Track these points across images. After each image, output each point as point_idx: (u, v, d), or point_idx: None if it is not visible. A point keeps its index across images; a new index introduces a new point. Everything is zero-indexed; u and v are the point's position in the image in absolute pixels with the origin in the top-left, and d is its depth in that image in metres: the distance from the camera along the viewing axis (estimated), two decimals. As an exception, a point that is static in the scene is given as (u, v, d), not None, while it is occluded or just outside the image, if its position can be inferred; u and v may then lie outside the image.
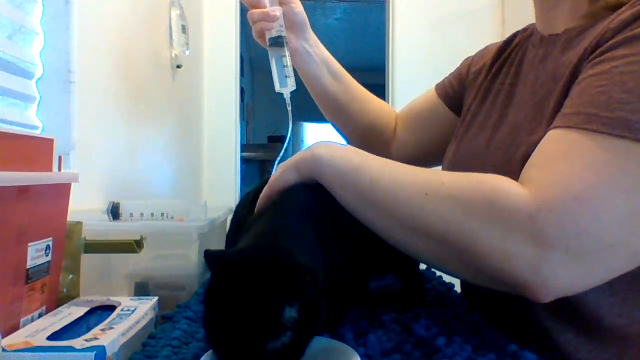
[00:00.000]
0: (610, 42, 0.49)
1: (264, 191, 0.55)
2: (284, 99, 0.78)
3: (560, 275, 0.43)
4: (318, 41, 0.84)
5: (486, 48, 0.80)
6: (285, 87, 0.77)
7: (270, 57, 0.77)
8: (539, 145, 0.49)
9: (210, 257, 0.40)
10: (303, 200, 0.52)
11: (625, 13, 0.49)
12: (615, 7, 0.53)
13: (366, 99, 0.91)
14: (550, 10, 0.63)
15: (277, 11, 0.75)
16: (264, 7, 0.75)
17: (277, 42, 0.76)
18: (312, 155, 0.53)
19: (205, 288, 0.40)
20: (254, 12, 0.76)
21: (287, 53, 0.76)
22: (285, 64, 0.76)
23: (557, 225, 0.42)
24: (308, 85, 0.87)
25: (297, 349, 0.38)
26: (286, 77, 0.77)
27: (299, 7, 0.79)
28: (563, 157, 0.45)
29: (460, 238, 0.46)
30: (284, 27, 0.76)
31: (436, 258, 0.50)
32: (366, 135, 0.92)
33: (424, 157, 0.87)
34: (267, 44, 0.77)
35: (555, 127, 0.48)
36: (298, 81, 0.83)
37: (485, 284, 0.49)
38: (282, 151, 0.77)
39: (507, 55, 0.72)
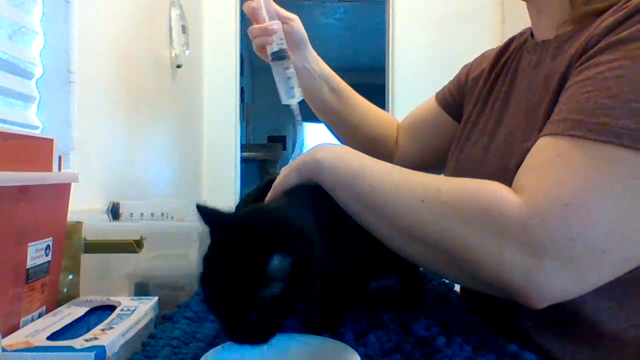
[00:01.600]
0: (595, 48, 0.49)
1: (268, 195, 0.56)
2: (291, 108, 0.78)
3: (553, 282, 0.43)
4: (318, 58, 0.85)
5: (483, 55, 0.81)
6: (292, 98, 0.77)
7: (273, 71, 0.77)
8: (529, 152, 0.49)
9: (205, 213, 0.42)
10: (305, 195, 0.53)
11: (608, 19, 0.49)
12: (602, 12, 0.53)
13: (366, 111, 0.91)
14: (538, 17, 0.64)
15: (276, 25, 0.76)
16: (263, 21, 0.76)
17: (279, 55, 0.76)
18: (313, 159, 0.54)
19: (205, 250, 0.42)
20: (254, 28, 0.77)
21: (290, 65, 0.77)
22: (289, 76, 0.77)
23: (549, 233, 0.43)
24: (308, 100, 0.87)
25: (288, 303, 0.40)
26: (292, 88, 0.77)
27: (298, 26, 0.80)
28: (552, 165, 0.46)
29: (455, 245, 0.46)
30: (284, 40, 0.77)
31: (432, 263, 0.51)
32: (368, 147, 0.91)
33: (427, 165, 0.88)
34: (270, 59, 0.77)
35: (544, 135, 0.49)
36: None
37: (480, 290, 0.49)
38: (292, 156, 0.78)
39: (504, 62, 0.72)
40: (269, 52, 0.77)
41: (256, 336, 0.40)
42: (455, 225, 0.46)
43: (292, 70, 0.77)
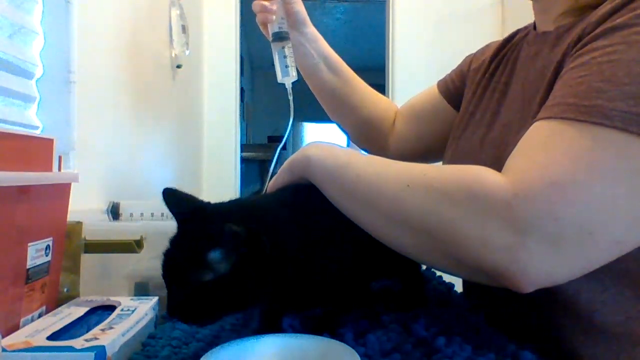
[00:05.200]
0: (590, 35, 0.49)
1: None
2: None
3: (537, 263, 0.42)
4: (319, 36, 0.87)
5: (487, 45, 0.81)
6: (287, 76, 0.79)
7: (273, 50, 0.80)
8: (522, 137, 0.49)
9: (171, 198, 0.48)
10: (293, 194, 0.54)
11: (605, 7, 0.50)
12: (602, 3, 0.53)
13: (364, 92, 0.92)
14: (545, 11, 0.64)
15: (275, 5, 0.79)
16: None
17: (279, 37, 0.80)
18: (304, 155, 0.55)
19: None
20: (256, 4, 0.80)
21: (288, 45, 0.80)
22: (286, 56, 0.80)
23: (534, 212, 0.42)
24: (305, 78, 0.89)
25: (217, 292, 0.43)
26: (287, 67, 0.79)
27: (297, 6, 0.82)
28: (541, 146, 0.45)
29: (440, 228, 0.46)
30: (285, 20, 0.80)
31: (419, 250, 0.50)
32: (364, 128, 0.93)
33: (423, 152, 0.88)
34: (270, 38, 0.80)
35: (537, 119, 0.48)
36: (300, 80, 0.84)
37: (467, 276, 0.49)
38: (285, 138, 0.84)
39: (504, 53, 0.72)
40: (269, 32, 0.80)
41: (184, 314, 0.43)
42: (439, 206, 0.46)
43: (290, 50, 0.80)
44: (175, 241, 0.45)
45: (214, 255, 0.42)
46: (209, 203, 0.49)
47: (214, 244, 0.43)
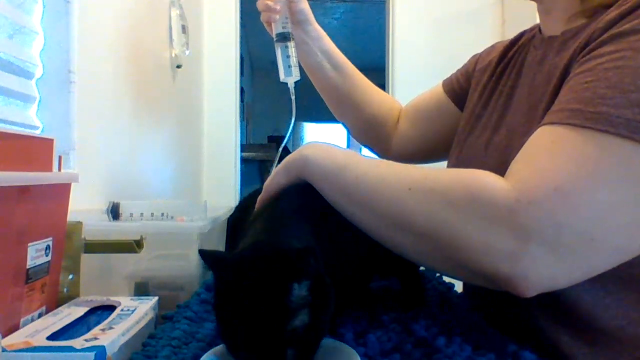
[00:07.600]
0: (597, 41, 0.49)
1: (260, 195, 0.56)
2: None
3: (539, 268, 0.43)
4: (323, 35, 0.87)
5: (493, 46, 0.81)
6: (289, 76, 0.80)
7: (276, 50, 0.81)
8: (526, 142, 0.49)
9: (207, 258, 0.41)
10: (297, 201, 0.53)
11: (612, 13, 0.50)
12: (608, 6, 0.53)
13: (368, 91, 0.92)
14: (547, 13, 0.64)
15: (279, 5, 0.79)
16: None
17: (282, 37, 0.80)
18: (301, 156, 0.54)
19: (213, 297, 0.41)
20: (260, 3, 0.81)
21: (291, 45, 0.81)
22: (289, 55, 0.80)
23: (536, 217, 0.42)
24: (310, 76, 0.90)
25: (318, 327, 0.39)
26: (289, 67, 0.80)
27: (302, 5, 0.83)
28: (546, 151, 0.45)
29: (442, 232, 0.46)
30: (288, 20, 0.81)
31: (419, 253, 0.50)
32: (367, 127, 0.94)
33: (426, 151, 0.88)
34: (274, 39, 0.81)
35: (542, 125, 0.48)
36: (300, 80, 0.84)
37: (468, 280, 0.49)
38: (286, 138, 0.86)
39: (511, 56, 0.72)
40: (273, 32, 0.81)
41: None
42: (441, 211, 0.46)
43: (293, 50, 0.81)
44: (235, 307, 0.38)
45: (298, 290, 0.38)
46: (237, 254, 0.43)
47: (290, 279, 0.37)
